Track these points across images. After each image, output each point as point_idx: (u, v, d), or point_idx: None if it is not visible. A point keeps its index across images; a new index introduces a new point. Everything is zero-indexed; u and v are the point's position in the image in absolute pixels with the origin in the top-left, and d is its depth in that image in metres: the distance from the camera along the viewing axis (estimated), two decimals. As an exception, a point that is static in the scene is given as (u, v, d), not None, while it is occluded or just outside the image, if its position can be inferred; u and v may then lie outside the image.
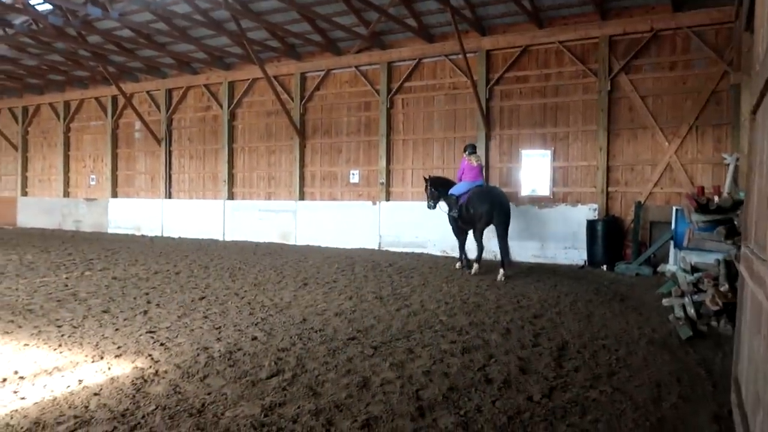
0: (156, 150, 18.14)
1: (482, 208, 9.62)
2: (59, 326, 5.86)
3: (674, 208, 9.97)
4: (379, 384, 4.19)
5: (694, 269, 6.49)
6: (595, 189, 11.71)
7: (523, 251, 11.92)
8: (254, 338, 5.49)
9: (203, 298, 7.48)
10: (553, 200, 12.17)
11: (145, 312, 6.59)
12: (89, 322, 6.08)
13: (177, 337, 5.54)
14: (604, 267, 10.70)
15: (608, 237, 10.88)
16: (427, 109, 13.71)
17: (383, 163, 14.10)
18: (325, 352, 5.03)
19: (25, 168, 21.75)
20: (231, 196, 16.66)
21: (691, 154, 10.88)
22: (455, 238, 10.70)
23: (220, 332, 5.72)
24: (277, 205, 15.64)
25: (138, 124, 18.35)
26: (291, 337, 5.51)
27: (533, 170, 12.42)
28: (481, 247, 9.84)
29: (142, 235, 17.44)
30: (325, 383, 4.21)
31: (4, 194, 22.40)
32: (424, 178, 11.16)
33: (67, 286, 8.23)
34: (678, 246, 9.15)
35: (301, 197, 15.42)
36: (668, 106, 11.10)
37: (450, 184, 10.76)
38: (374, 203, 14.04)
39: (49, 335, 5.50)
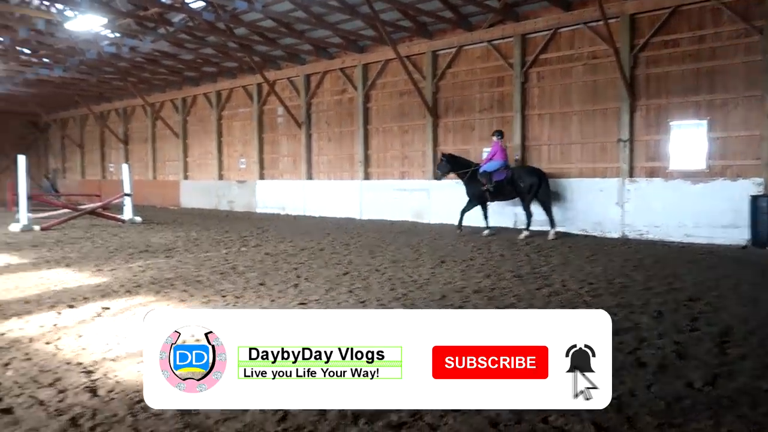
0: (297, 133, 19.21)
1: (531, 181, 11.62)
2: (224, 296, 6.49)
3: None
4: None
5: None
6: (760, 161, 10.52)
7: (673, 230, 11.11)
8: (398, 313, 5.71)
9: (347, 273, 7.87)
10: (708, 174, 11.13)
11: (296, 285, 7.07)
12: (248, 293, 6.67)
13: (326, 309, 5.91)
14: (771, 247, 9.69)
15: (776, 214, 9.83)
16: (564, 81, 13.11)
17: (518, 139, 13.75)
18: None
19: (185, 154, 24.13)
20: (366, 176, 17.22)
21: None
22: (468, 206, 12.50)
23: (365, 306, 6.01)
24: (411, 184, 15.91)
25: (280, 110, 19.53)
26: (433, 313, 5.65)
27: (684, 142, 11.45)
28: (530, 215, 11.73)
29: (287, 215, 18.66)
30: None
31: (170, 178, 25.07)
32: (443, 154, 12.99)
33: (227, 260, 9.07)
34: None
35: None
36: None
37: (463, 162, 12.66)
38: (509, 180, 13.78)
39: (217, 304, 6.11)
